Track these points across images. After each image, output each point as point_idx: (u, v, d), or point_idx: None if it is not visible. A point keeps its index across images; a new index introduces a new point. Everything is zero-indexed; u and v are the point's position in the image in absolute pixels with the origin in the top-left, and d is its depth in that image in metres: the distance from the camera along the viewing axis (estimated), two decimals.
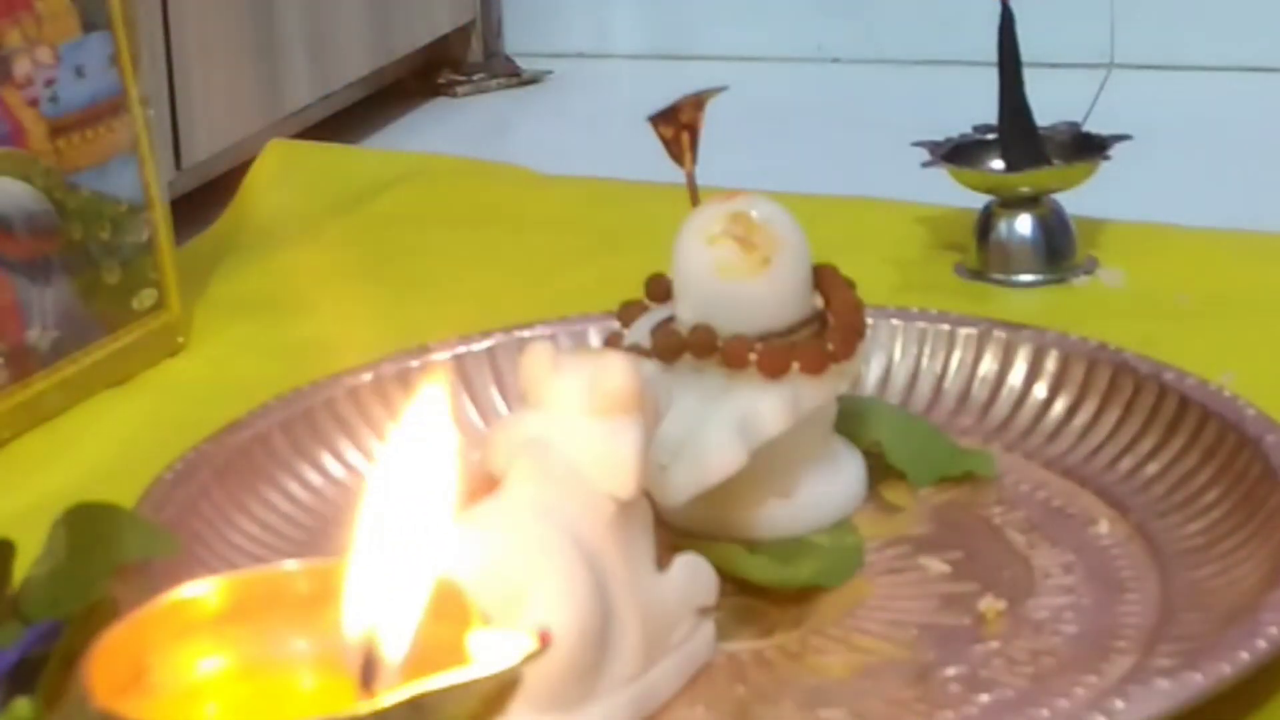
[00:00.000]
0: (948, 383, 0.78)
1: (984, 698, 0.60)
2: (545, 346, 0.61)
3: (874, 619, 0.65)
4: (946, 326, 0.79)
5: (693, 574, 0.62)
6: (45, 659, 0.55)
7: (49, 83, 0.83)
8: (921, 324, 0.80)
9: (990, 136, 0.96)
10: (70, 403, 0.84)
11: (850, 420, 0.72)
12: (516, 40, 1.93)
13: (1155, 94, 1.75)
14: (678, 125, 0.72)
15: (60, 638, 0.55)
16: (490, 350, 0.80)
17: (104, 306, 0.85)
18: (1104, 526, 0.69)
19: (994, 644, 0.63)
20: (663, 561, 0.61)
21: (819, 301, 0.69)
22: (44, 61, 0.82)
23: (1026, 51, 0.94)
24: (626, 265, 0.75)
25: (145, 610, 0.45)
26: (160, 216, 0.88)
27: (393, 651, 0.42)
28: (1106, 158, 0.93)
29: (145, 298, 0.87)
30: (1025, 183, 0.94)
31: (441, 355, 0.79)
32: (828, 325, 0.68)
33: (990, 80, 0.94)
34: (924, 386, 0.78)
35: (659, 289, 0.71)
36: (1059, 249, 0.94)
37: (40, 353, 0.83)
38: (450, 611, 0.44)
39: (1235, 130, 1.63)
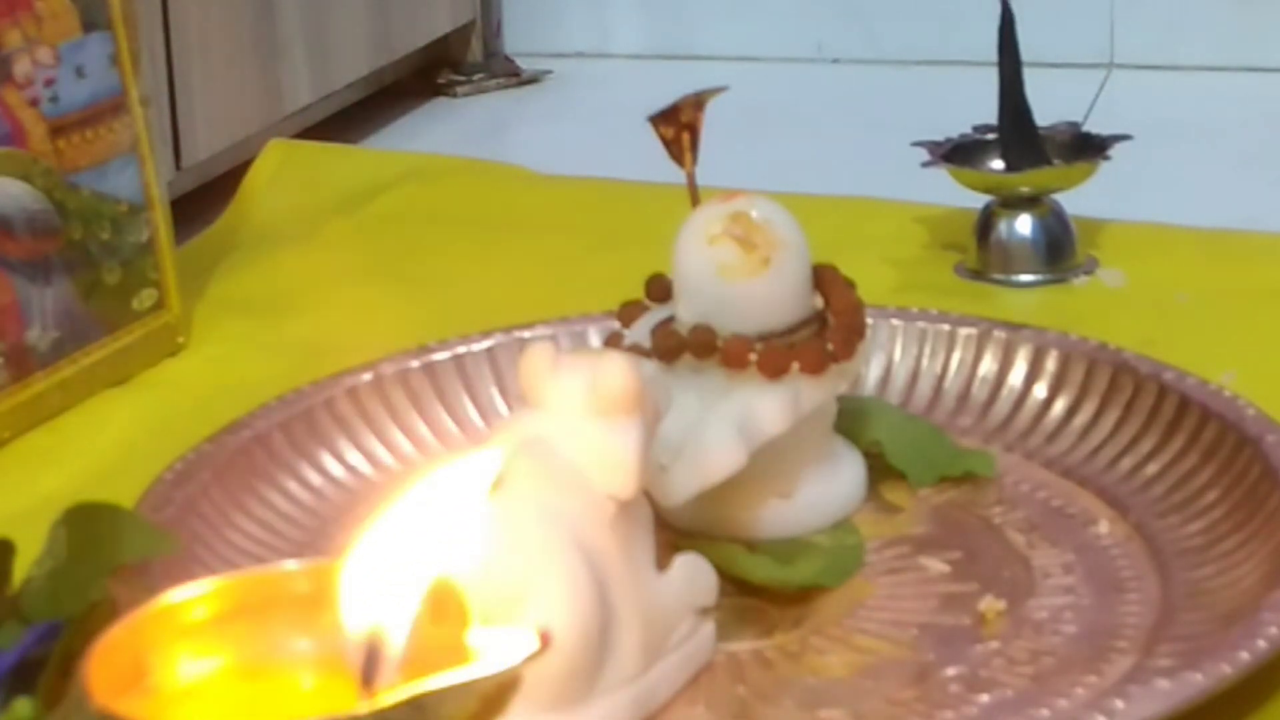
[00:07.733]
0: (948, 383, 0.78)
1: (984, 698, 0.60)
2: (545, 346, 0.61)
3: (874, 619, 0.65)
4: (946, 326, 0.79)
5: (693, 574, 0.62)
6: (45, 659, 0.55)
7: (49, 83, 0.83)
8: (921, 324, 0.80)
9: (990, 136, 0.96)
10: (70, 403, 0.84)
11: (850, 420, 0.72)
12: (516, 40, 1.93)
13: (1155, 94, 1.75)
14: (678, 125, 0.72)
15: (60, 638, 0.55)
16: (490, 350, 0.80)
17: (104, 306, 0.85)
18: (1104, 526, 0.69)
19: (994, 644, 0.63)
20: (663, 561, 0.61)
21: (819, 301, 0.69)
22: (44, 61, 0.82)
23: (1026, 51, 0.94)
24: (626, 265, 0.75)
25: (145, 610, 0.45)
26: (160, 216, 0.88)
27: (393, 651, 0.42)
28: (1106, 158, 0.93)
29: (145, 298, 0.87)
30: (1025, 183, 0.94)
31: (441, 355, 0.79)
32: (828, 325, 0.68)
33: (990, 80, 0.94)
34: (924, 386, 0.78)
35: (659, 289, 0.71)
36: (1059, 249, 0.94)
37: (40, 353, 0.83)
38: (450, 611, 0.44)
39: (1235, 130, 1.63)
